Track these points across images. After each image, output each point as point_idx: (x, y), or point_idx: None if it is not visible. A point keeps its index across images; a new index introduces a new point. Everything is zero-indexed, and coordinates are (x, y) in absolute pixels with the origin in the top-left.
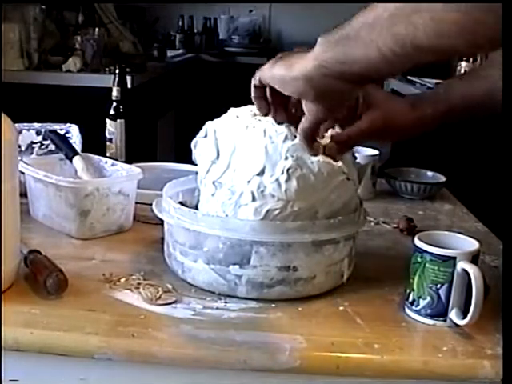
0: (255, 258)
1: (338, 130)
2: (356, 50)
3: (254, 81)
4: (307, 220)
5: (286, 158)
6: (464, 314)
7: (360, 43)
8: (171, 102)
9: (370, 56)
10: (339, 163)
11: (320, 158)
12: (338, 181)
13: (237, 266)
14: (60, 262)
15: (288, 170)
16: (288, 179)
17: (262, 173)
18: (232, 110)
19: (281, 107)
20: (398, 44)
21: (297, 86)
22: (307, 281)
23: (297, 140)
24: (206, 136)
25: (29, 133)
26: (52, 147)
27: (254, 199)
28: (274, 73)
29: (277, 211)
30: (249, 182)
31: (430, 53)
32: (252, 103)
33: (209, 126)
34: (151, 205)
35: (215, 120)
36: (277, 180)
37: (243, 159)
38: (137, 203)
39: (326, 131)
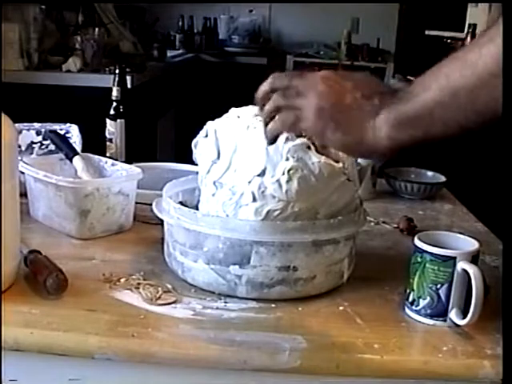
0: (255, 258)
1: None
2: (434, 128)
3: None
4: (308, 221)
5: (287, 159)
6: (464, 314)
7: (437, 122)
8: (171, 102)
9: (450, 131)
10: (340, 164)
11: (321, 159)
12: (339, 182)
13: (237, 266)
14: (60, 262)
15: (289, 170)
16: (289, 180)
17: (262, 173)
18: (233, 110)
19: None
20: (482, 117)
21: (366, 156)
22: (307, 281)
23: (298, 141)
24: (206, 136)
25: (29, 133)
26: (52, 147)
27: (254, 200)
28: (337, 140)
29: (277, 212)
30: (249, 182)
31: None
32: (252, 103)
33: (209, 125)
34: (151, 205)
35: (216, 120)
36: (277, 181)
37: (244, 159)
38: (137, 203)
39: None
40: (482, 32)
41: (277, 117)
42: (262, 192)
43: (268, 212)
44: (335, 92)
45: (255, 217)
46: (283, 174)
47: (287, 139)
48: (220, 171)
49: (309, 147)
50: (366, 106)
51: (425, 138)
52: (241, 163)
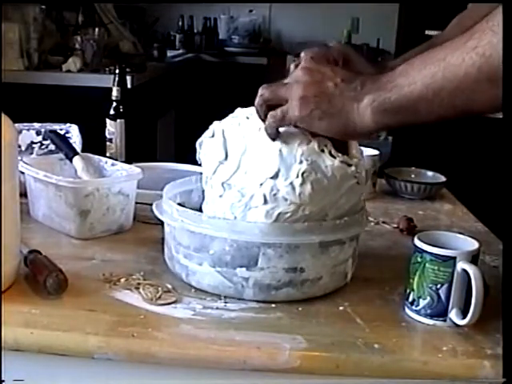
0: (263, 260)
1: None
2: (416, 117)
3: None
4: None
5: (301, 162)
6: (464, 314)
7: (420, 112)
8: (171, 102)
9: (429, 121)
10: (352, 168)
11: (335, 162)
12: (349, 185)
13: (244, 269)
14: (60, 262)
15: (303, 173)
16: (303, 183)
17: (275, 176)
18: (240, 111)
19: None
20: (460, 113)
21: (351, 138)
22: (313, 282)
23: (311, 144)
24: (213, 136)
25: (29, 133)
26: (52, 147)
27: (265, 202)
28: (323, 127)
29: (288, 214)
30: (261, 184)
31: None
32: (253, 104)
33: (216, 126)
34: (151, 205)
35: (223, 120)
36: (291, 183)
37: (255, 161)
38: (137, 203)
39: None
40: (466, 30)
41: (268, 115)
42: (274, 194)
43: (279, 214)
44: (317, 81)
45: (266, 219)
46: (297, 176)
47: (301, 141)
48: (228, 172)
49: (322, 150)
50: (348, 91)
51: (408, 124)
52: (251, 165)
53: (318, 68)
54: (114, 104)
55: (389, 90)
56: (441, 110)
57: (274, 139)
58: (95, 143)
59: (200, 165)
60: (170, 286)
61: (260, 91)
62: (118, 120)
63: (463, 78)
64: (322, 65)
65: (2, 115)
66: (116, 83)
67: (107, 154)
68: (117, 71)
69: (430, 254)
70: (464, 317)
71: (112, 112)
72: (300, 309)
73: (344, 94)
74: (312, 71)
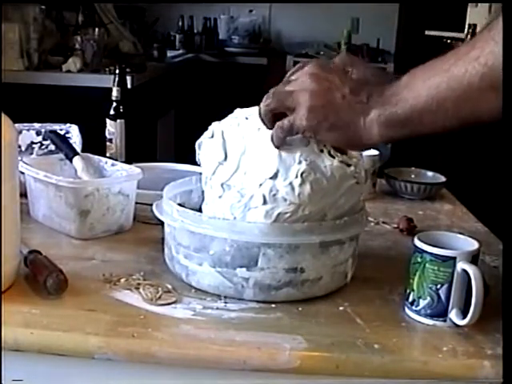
0: (263, 260)
1: None
2: (421, 128)
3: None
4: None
5: (300, 162)
6: (464, 314)
7: (425, 125)
8: (171, 102)
9: (436, 131)
10: (352, 168)
11: (334, 162)
12: (349, 185)
13: (244, 269)
14: (60, 262)
15: (302, 174)
16: (302, 183)
17: (275, 176)
18: (239, 111)
19: None
20: (465, 123)
21: (357, 150)
22: (314, 282)
23: (310, 144)
24: (212, 137)
25: (29, 133)
26: (52, 147)
27: (265, 202)
28: (331, 138)
29: (288, 215)
30: (261, 185)
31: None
32: (253, 104)
33: (215, 126)
34: (151, 205)
35: (222, 121)
36: (290, 184)
37: (254, 162)
38: (137, 203)
39: None
40: (469, 40)
41: (275, 126)
42: (274, 195)
43: (278, 215)
44: (325, 90)
45: (265, 219)
46: (296, 177)
47: (300, 142)
48: (228, 173)
49: (321, 150)
50: (356, 103)
51: (413, 136)
52: (250, 165)
53: (325, 75)
54: (114, 104)
55: (394, 104)
56: (446, 121)
57: (278, 147)
58: (95, 143)
59: (200, 165)
60: (170, 286)
61: (265, 100)
62: (118, 120)
63: (467, 87)
64: (329, 72)
65: (2, 115)
66: (116, 83)
67: (107, 154)
68: (117, 71)
69: (430, 254)
70: (464, 317)
71: (112, 112)
72: (300, 309)
73: (352, 106)
74: (320, 78)
